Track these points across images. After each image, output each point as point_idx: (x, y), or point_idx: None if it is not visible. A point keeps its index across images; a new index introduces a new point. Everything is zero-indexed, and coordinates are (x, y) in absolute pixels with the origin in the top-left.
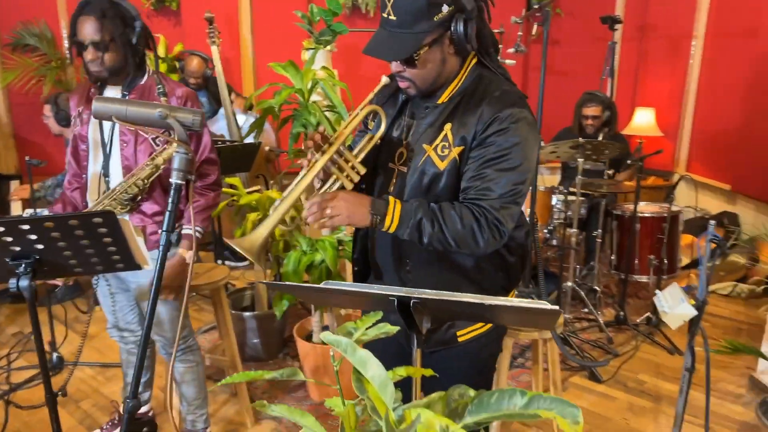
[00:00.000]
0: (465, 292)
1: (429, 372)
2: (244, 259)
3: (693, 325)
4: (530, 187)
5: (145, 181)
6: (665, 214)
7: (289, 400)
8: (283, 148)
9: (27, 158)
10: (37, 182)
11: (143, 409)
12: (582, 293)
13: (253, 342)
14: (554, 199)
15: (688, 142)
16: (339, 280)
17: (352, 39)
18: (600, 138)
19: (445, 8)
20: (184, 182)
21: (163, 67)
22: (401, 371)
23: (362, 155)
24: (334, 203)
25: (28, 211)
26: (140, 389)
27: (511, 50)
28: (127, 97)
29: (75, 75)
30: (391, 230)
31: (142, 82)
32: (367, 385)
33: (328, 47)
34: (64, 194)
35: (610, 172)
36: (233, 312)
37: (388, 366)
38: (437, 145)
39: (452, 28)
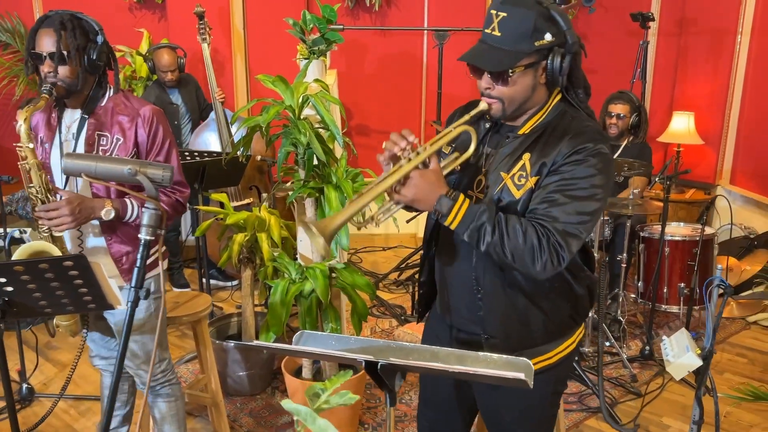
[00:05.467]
0: (533, 318)
1: None
2: (231, 278)
3: (699, 375)
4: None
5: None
6: (697, 238)
7: None
8: (275, 158)
9: None
10: (6, 195)
11: None
12: (604, 324)
13: (239, 375)
14: None
15: (732, 151)
16: (331, 313)
17: (353, 35)
18: (623, 144)
19: (548, 37)
20: (153, 238)
21: (144, 68)
22: None
23: (447, 171)
24: (409, 180)
25: None
26: (117, 424)
27: None
28: (86, 120)
29: None
30: (452, 227)
31: (103, 103)
32: None
33: (322, 57)
34: None
35: (620, 179)
36: (216, 342)
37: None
38: (514, 174)
39: (549, 58)
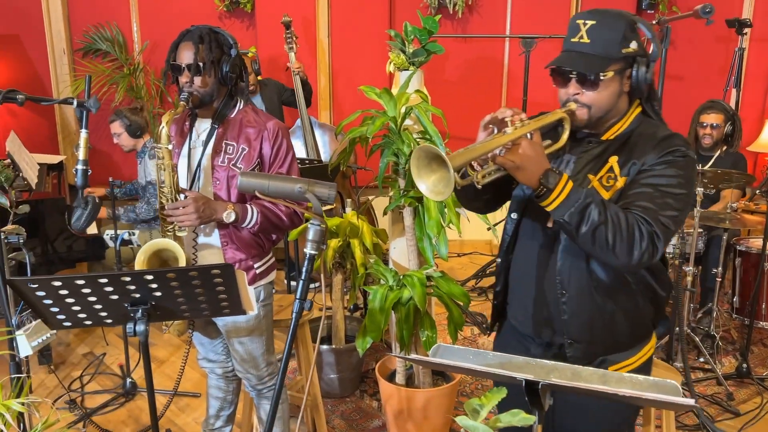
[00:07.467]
0: (617, 321)
1: None
2: (313, 280)
3: None
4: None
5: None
6: None
7: None
8: (360, 165)
9: (111, 179)
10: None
11: None
12: (697, 339)
13: (330, 377)
14: None
15: None
16: (427, 321)
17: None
18: (716, 154)
19: (634, 44)
20: (317, 252)
21: None
22: None
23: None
24: (518, 147)
25: (109, 233)
26: (221, 423)
27: None
28: (216, 129)
29: (146, 81)
30: (551, 207)
31: (233, 115)
32: None
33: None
34: None
35: (712, 192)
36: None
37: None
38: (602, 176)
39: (634, 67)
